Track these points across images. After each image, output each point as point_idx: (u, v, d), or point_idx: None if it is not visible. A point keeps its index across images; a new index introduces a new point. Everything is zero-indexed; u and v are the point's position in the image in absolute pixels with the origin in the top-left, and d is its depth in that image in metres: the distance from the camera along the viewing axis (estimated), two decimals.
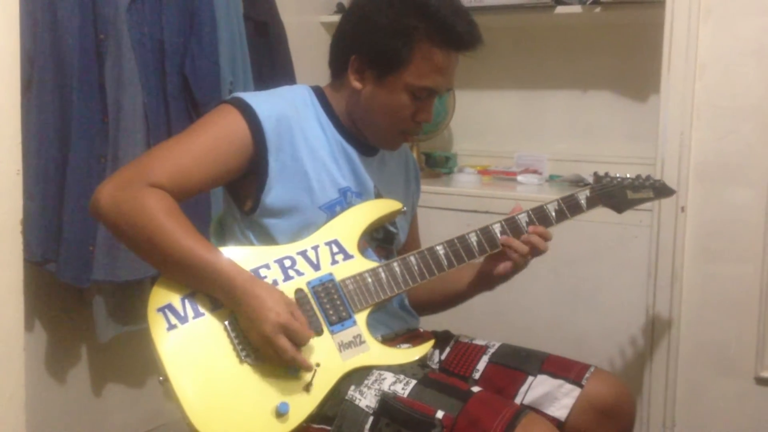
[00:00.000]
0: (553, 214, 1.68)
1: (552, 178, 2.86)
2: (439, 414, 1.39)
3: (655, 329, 2.30)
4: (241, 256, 1.51)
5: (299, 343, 1.42)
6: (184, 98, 2.28)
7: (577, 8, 2.63)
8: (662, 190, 1.85)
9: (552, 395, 1.60)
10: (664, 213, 2.25)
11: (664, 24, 2.22)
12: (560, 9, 2.66)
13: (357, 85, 1.59)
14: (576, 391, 1.59)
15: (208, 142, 1.51)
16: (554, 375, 1.62)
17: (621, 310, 2.39)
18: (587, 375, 1.61)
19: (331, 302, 1.52)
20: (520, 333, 2.25)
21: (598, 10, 2.59)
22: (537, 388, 1.61)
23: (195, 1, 2.26)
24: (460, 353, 1.72)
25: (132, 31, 2.13)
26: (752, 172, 2.15)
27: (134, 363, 2.34)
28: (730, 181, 2.18)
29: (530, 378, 1.63)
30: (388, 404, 1.42)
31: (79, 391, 2.35)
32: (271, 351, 1.42)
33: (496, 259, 1.67)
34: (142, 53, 2.17)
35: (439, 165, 3.11)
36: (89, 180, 2.04)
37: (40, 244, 2.04)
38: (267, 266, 1.52)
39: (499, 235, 1.64)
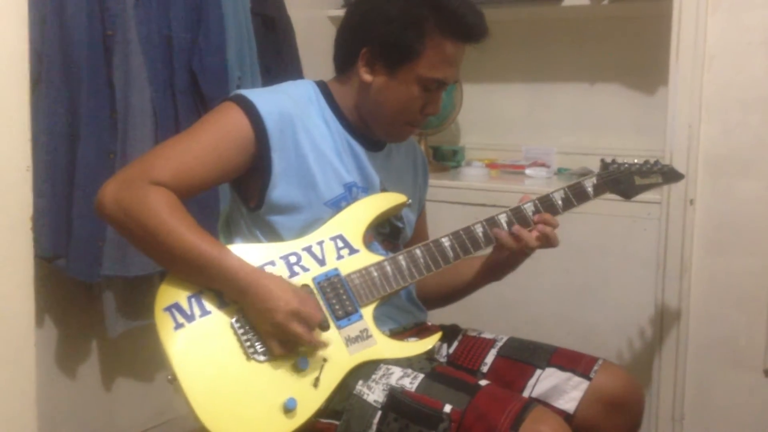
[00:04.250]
0: (560, 202, 1.67)
1: (560, 171, 2.85)
2: (447, 408, 1.39)
3: (664, 322, 2.30)
4: (246, 253, 1.51)
5: (312, 326, 1.44)
6: (192, 94, 2.28)
7: (584, 1, 2.62)
8: (671, 175, 1.83)
9: (560, 388, 1.60)
10: (673, 206, 2.25)
11: (672, 16, 2.21)
12: (568, 1, 2.65)
13: (367, 77, 1.59)
14: (584, 384, 1.59)
15: (211, 140, 1.51)
16: (562, 368, 1.62)
17: (629, 303, 2.39)
18: (596, 368, 1.61)
19: (337, 297, 1.52)
20: (528, 326, 2.26)
21: (605, 2, 2.59)
22: (545, 382, 1.61)
23: None
24: (468, 347, 1.72)
25: (140, 26, 2.14)
26: (761, 164, 2.14)
27: (144, 358, 2.35)
28: (738, 173, 2.17)
29: (538, 371, 1.63)
30: (396, 398, 1.43)
31: (90, 386, 2.36)
32: (284, 340, 1.43)
33: (501, 248, 1.66)
34: (150, 49, 2.17)
35: (446, 158, 3.10)
36: (98, 176, 2.05)
37: (50, 240, 2.05)
38: (272, 263, 1.52)
39: (505, 225, 1.63)
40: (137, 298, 2.25)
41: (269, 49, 2.58)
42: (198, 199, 2.01)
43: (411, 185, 1.81)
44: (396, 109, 1.60)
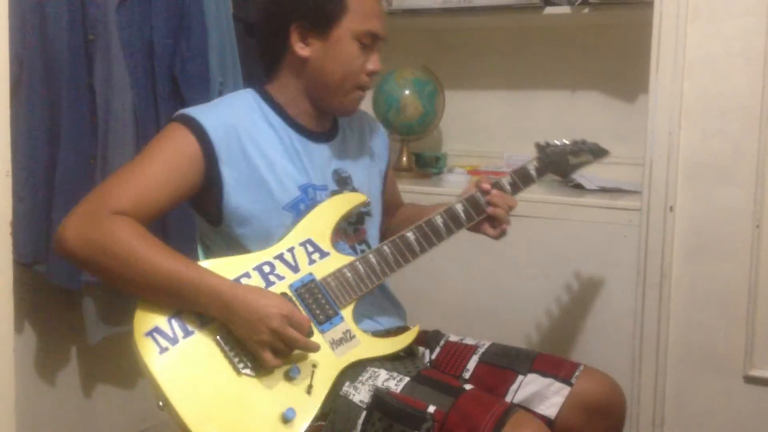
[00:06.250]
0: (508, 187, 1.80)
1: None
2: (431, 409, 1.40)
3: (644, 328, 2.31)
4: (218, 268, 1.49)
5: (304, 331, 1.44)
6: (174, 99, 2.27)
7: (566, 9, 2.64)
8: (597, 152, 2.00)
9: (542, 394, 1.60)
10: (653, 213, 2.26)
11: (652, 24, 2.22)
12: (549, 10, 2.67)
13: (304, 52, 1.62)
14: (565, 390, 1.60)
15: (162, 162, 1.51)
16: (544, 374, 1.63)
17: (610, 310, 2.40)
18: (577, 373, 1.62)
19: (316, 302, 1.53)
20: (510, 332, 2.26)
21: (586, 10, 2.60)
22: (527, 387, 1.62)
23: (184, 2, 2.26)
24: (450, 353, 1.73)
25: (121, 31, 2.13)
26: (740, 172, 2.16)
27: (124, 364, 2.34)
28: (718, 180, 2.19)
29: (520, 377, 1.63)
30: (381, 399, 1.44)
31: (69, 393, 2.35)
32: (277, 349, 1.42)
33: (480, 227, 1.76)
34: (132, 54, 2.17)
35: (428, 165, 3.11)
36: (79, 181, 2.04)
37: (29, 246, 2.03)
38: (247, 275, 1.52)
39: (462, 214, 1.71)
40: (117, 305, 2.23)
41: (252, 54, 2.57)
42: (177, 216, 2.00)
43: (368, 164, 1.82)
44: (341, 73, 1.63)
